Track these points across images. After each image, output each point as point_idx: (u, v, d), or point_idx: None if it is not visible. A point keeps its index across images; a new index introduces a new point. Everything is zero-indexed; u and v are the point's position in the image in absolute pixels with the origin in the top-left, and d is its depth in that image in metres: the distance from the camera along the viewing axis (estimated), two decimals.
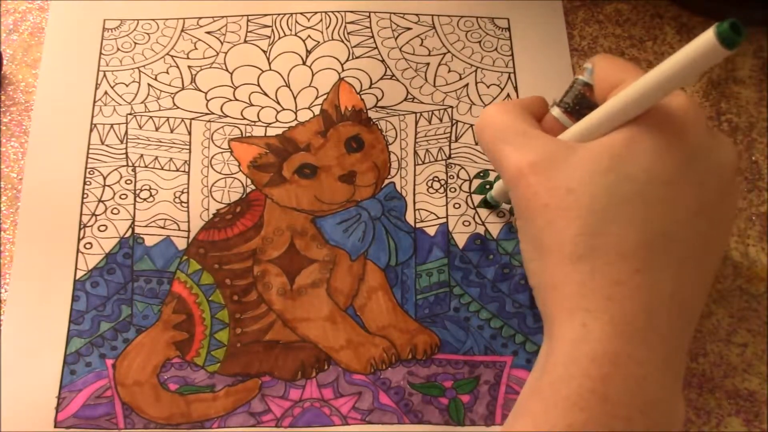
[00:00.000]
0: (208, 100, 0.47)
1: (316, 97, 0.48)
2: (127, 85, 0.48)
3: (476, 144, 0.47)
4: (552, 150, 0.33)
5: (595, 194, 0.31)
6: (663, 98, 0.32)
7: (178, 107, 0.47)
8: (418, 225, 0.45)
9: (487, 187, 0.45)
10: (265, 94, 0.48)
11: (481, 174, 0.46)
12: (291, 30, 0.50)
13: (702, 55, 0.28)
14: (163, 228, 0.44)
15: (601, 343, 0.30)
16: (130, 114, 0.47)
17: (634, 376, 0.30)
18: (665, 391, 0.31)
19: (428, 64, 0.49)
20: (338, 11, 0.50)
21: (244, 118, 0.47)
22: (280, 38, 0.49)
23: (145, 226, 0.44)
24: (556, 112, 0.37)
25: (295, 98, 0.48)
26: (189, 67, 0.48)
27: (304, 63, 0.49)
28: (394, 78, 0.48)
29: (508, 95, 0.48)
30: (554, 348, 0.31)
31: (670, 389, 0.31)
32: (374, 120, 0.47)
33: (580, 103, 0.36)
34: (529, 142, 0.34)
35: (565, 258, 0.31)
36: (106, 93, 0.48)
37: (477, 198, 0.45)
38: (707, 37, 0.28)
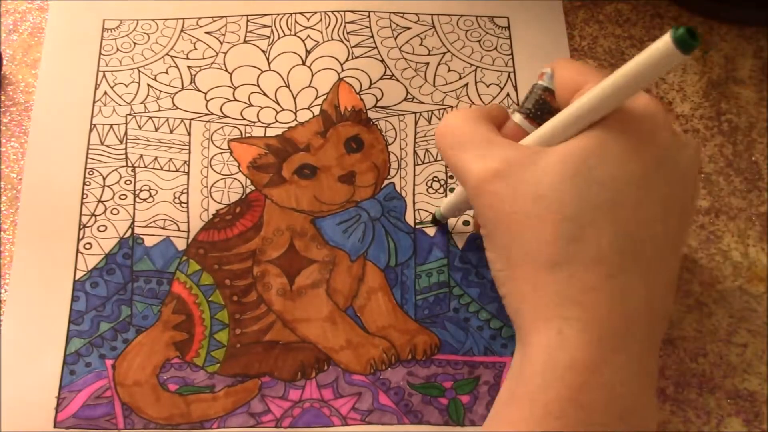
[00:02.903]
0: (207, 101, 0.47)
1: (316, 98, 0.48)
2: (126, 86, 0.48)
3: None
4: (516, 156, 0.32)
5: (566, 200, 0.31)
6: (625, 100, 0.31)
7: (178, 107, 0.47)
8: (417, 225, 0.45)
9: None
10: (265, 95, 0.48)
11: None
12: (290, 30, 0.50)
13: (660, 59, 0.28)
14: (162, 228, 0.44)
15: (577, 351, 0.30)
16: (130, 114, 0.47)
17: (611, 383, 0.30)
18: (642, 396, 0.31)
19: (428, 63, 0.49)
20: (338, 11, 0.50)
21: (244, 119, 0.47)
22: (279, 38, 0.49)
23: (145, 227, 0.44)
24: (517, 118, 0.37)
25: (294, 98, 0.48)
26: (188, 67, 0.48)
27: (303, 63, 0.49)
28: (393, 78, 0.48)
29: (508, 95, 0.48)
30: (530, 355, 0.31)
31: (646, 394, 0.31)
32: (374, 120, 0.47)
33: (542, 108, 0.36)
34: (491, 149, 0.33)
35: (538, 266, 0.31)
36: (105, 93, 0.48)
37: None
38: (664, 41, 0.28)
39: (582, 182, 0.31)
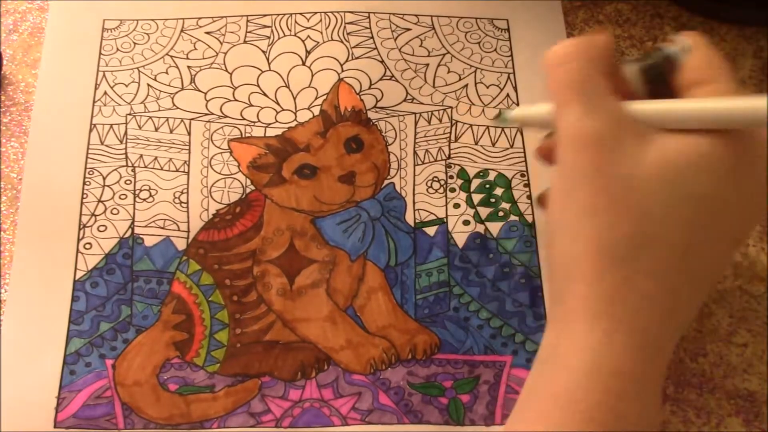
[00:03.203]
0: (207, 101, 0.47)
1: (316, 98, 0.48)
2: (126, 86, 0.48)
3: (476, 144, 0.47)
4: (624, 129, 0.31)
5: (656, 203, 0.30)
6: (754, 127, 0.30)
7: (178, 107, 0.47)
8: (417, 225, 0.45)
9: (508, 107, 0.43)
10: (265, 95, 0.48)
11: (481, 174, 0.46)
12: (290, 30, 0.50)
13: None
14: (162, 228, 0.44)
15: (624, 359, 0.29)
16: (130, 114, 0.47)
17: (646, 394, 0.30)
18: (659, 406, 0.31)
19: (428, 64, 0.49)
20: (338, 11, 0.50)
21: (244, 119, 0.47)
22: (279, 38, 0.49)
23: (145, 227, 0.44)
24: (632, 70, 0.34)
25: (294, 99, 0.48)
26: (188, 67, 0.48)
27: (303, 63, 0.49)
28: (393, 78, 0.48)
29: (508, 95, 0.48)
30: (571, 349, 0.30)
31: (661, 403, 0.32)
32: (374, 120, 0.47)
33: (658, 73, 0.34)
34: (603, 108, 0.31)
35: (603, 253, 0.30)
36: (105, 93, 0.48)
37: (478, 197, 0.45)
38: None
39: (675, 191, 0.30)
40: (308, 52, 0.49)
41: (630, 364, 0.30)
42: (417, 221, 0.45)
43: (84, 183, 0.45)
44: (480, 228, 0.45)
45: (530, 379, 0.33)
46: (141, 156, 0.46)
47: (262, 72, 0.48)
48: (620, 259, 0.30)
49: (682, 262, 0.30)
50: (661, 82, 0.33)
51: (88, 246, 0.44)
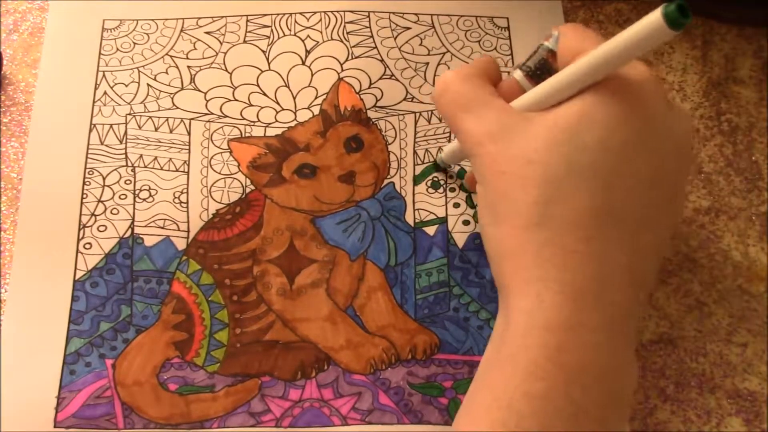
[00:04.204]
0: (207, 101, 0.47)
1: (316, 97, 0.48)
2: (126, 86, 0.48)
3: None
4: (510, 120, 0.34)
5: (551, 164, 0.32)
6: (614, 70, 0.32)
7: (178, 107, 0.47)
8: (417, 225, 0.45)
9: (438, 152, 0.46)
10: (265, 94, 0.48)
11: None
12: (290, 30, 0.50)
13: (650, 34, 0.29)
14: (162, 228, 0.44)
15: (554, 312, 0.31)
16: (130, 114, 0.47)
17: (587, 344, 0.31)
18: (618, 358, 0.32)
19: (427, 63, 0.49)
20: (337, 11, 0.50)
21: (244, 118, 0.47)
22: (279, 38, 0.49)
23: (145, 227, 0.44)
24: (518, 75, 0.37)
25: (294, 98, 0.48)
26: (188, 67, 0.48)
27: (303, 63, 0.49)
28: (393, 78, 0.48)
29: None
30: (511, 319, 0.32)
31: (623, 356, 0.32)
32: (374, 120, 0.47)
33: (542, 69, 0.37)
34: (487, 111, 0.34)
35: (520, 226, 0.32)
36: (105, 93, 0.48)
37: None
38: (655, 16, 0.28)
39: (568, 148, 0.32)
40: (308, 52, 0.49)
41: (564, 316, 0.30)
42: (417, 221, 0.45)
43: (84, 183, 0.45)
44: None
45: (482, 361, 0.34)
46: (141, 156, 0.46)
47: (262, 72, 0.48)
48: (536, 225, 0.32)
49: (597, 210, 0.32)
50: (551, 73, 0.36)
51: (88, 246, 0.44)
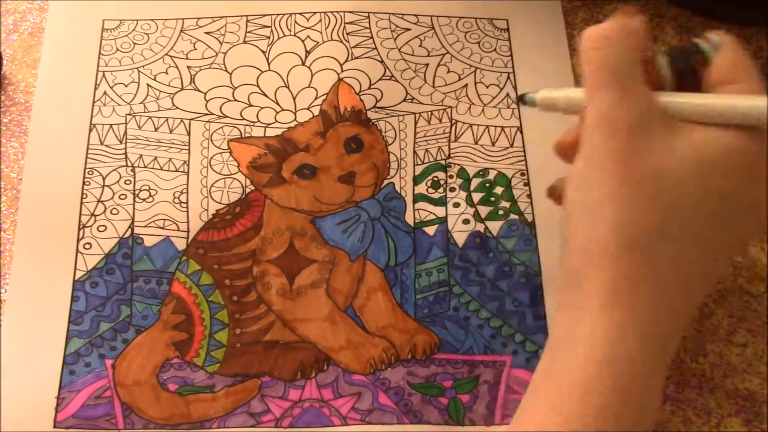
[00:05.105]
0: (207, 101, 0.47)
1: (316, 98, 0.48)
2: (126, 86, 0.48)
3: (476, 143, 0.47)
4: (655, 119, 0.31)
5: (683, 194, 0.30)
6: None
7: (178, 107, 0.47)
8: (417, 225, 0.45)
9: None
10: (265, 95, 0.48)
11: (481, 173, 0.46)
12: (290, 30, 0.50)
13: None
14: (162, 228, 0.44)
15: (635, 349, 0.30)
16: (130, 114, 0.47)
17: (653, 386, 0.30)
18: (661, 400, 0.31)
19: (427, 64, 0.49)
20: (337, 11, 0.50)
21: (244, 119, 0.47)
22: (279, 39, 0.49)
23: (145, 227, 0.44)
24: (663, 61, 0.34)
25: (294, 99, 0.48)
26: (188, 67, 0.48)
27: (303, 63, 0.49)
28: (393, 78, 0.48)
29: (507, 95, 0.48)
30: (585, 337, 0.30)
31: (661, 398, 0.32)
32: (373, 120, 0.47)
33: (687, 65, 0.34)
34: (636, 97, 0.31)
35: (625, 241, 0.30)
36: (105, 93, 0.48)
37: (476, 196, 0.45)
38: None
39: (703, 185, 0.30)
40: (308, 52, 0.49)
41: (641, 356, 0.30)
42: (417, 221, 0.45)
43: (84, 183, 0.45)
44: (480, 227, 0.45)
45: (542, 365, 0.32)
46: (141, 156, 0.46)
47: (262, 72, 0.48)
48: (641, 249, 0.30)
49: (701, 257, 0.31)
50: (691, 76, 0.34)
51: (87, 246, 0.44)
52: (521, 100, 0.38)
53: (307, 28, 0.50)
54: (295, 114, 0.47)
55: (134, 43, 0.49)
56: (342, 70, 0.48)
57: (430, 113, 0.48)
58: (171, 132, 0.47)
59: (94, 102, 0.47)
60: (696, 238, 0.30)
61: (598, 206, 0.31)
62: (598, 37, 0.32)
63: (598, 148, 0.31)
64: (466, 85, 0.49)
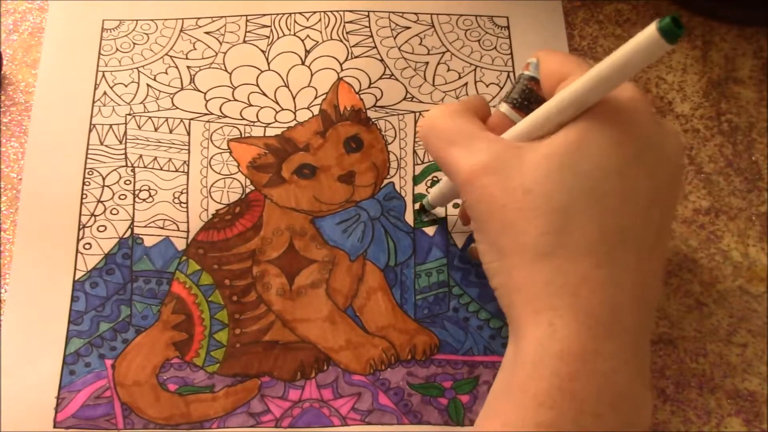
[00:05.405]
0: (207, 101, 0.47)
1: (315, 97, 0.48)
2: (126, 86, 0.48)
3: None
4: (503, 151, 0.33)
5: (553, 193, 0.31)
6: (608, 92, 0.32)
7: (177, 107, 0.47)
8: (417, 225, 0.45)
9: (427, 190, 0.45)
10: (264, 95, 0.48)
11: None
12: (290, 30, 0.50)
13: (645, 49, 0.29)
14: (162, 228, 0.44)
15: (568, 341, 0.30)
16: (129, 114, 0.47)
17: (601, 372, 0.30)
18: (633, 384, 0.31)
19: (427, 63, 0.49)
20: (337, 11, 0.50)
21: (243, 119, 0.47)
22: (279, 38, 0.49)
23: (145, 227, 0.44)
24: (504, 108, 0.37)
25: (294, 98, 0.48)
26: (188, 67, 0.48)
27: (303, 63, 0.49)
28: (393, 77, 0.48)
29: None
30: (521, 348, 0.31)
31: (639, 381, 0.32)
32: (373, 120, 0.47)
33: (528, 98, 0.36)
34: (478, 144, 0.34)
35: (528, 258, 0.31)
36: (105, 93, 0.48)
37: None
38: (650, 31, 0.28)
39: (567, 175, 0.31)
40: (308, 52, 0.49)
41: (577, 345, 0.30)
42: (417, 221, 0.45)
43: (83, 183, 0.45)
44: None
45: (491, 390, 0.34)
46: (140, 156, 0.46)
47: (262, 72, 0.48)
48: (545, 255, 0.31)
49: (604, 235, 0.31)
50: (538, 101, 0.35)
51: (87, 246, 0.44)
52: (421, 211, 0.45)
53: (306, 27, 0.50)
54: (294, 113, 0.47)
55: (134, 43, 0.49)
56: (342, 70, 0.48)
57: None
58: (171, 132, 0.47)
59: (93, 102, 0.47)
60: (587, 221, 0.31)
61: (495, 246, 0.33)
62: (424, 127, 0.36)
63: (472, 204, 0.33)
64: (466, 84, 0.48)
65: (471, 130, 0.34)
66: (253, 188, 0.45)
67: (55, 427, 0.40)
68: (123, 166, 0.46)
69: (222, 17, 0.50)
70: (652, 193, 0.33)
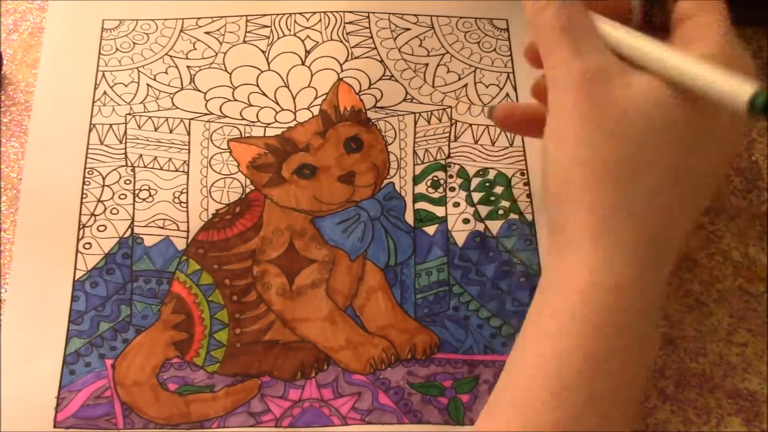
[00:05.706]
0: (207, 101, 0.48)
1: (315, 98, 0.48)
2: (126, 86, 0.48)
3: (476, 143, 0.47)
4: (610, 63, 0.32)
5: (648, 127, 0.31)
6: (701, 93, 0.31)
7: (177, 107, 0.47)
8: (417, 224, 0.45)
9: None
10: (264, 95, 0.48)
11: (481, 172, 0.46)
12: (290, 30, 0.50)
13: (725, 100, 0.29)
14: (162, 228, 0.44)
15: (625, 273, 0.30)
16: (129, 114, 0.47)
17: (649, 308, 0.31)
18: (659, 321, 0.33)
19: (427, 64, 0.49)
20: (337, 11, 0.50)
21: (243, 119, 0.47)
22: (279, 38, 0.49)
23: (145, 227, 0.44)
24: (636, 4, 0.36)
25: (294, 98, 0.48)
26: (188, 67, 0.48)
27: (303, 63, 0.49)
28: (393, 78, 0.48)
29: (507, 95, 0.48)
30: (573, 272, 0.31)
31: (656, 324, 0.33)
32: (373, 120, 0.47)
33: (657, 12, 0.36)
34: (588, 46, 0.33)
35: (603, 177, 0.31)
36: (105, 93, 0.48)
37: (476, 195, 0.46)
38: (738, 100, 0.29)
39: (663, 117, 0.31)
40: (308, 52, 0.49)
41: (631, 279, 0.30)
42: (417, 220, 0.45)
43: (83, 183, 0.45)
44: (480, 227, 0.45)
45: (532, 308, 0.34)
46: (140, 156, 0.46)
47: (262, 72, 0.48)
48: (618, 182, 0.31)
49: (676, 180, 0.32)
50: (662, 7, 0.35)
51: (87, 246, 0.44)
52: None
53: (306, 28, 0.50)
54: (294, 114, 0.47)
55: (134, 43, 0.49)
56: (342, 70, 0.48)
57: (429, 113, 0.48)
58: (171, 132, 0.47)
59: (93, 102, 0.47)
60: (668, 164, 0.31)
61: (571, 153, 0.32)
62: (540, 4, 0.34)
63: (563, 104, 0.33)
64: (465, 85, 0.49)
65: (583, 25, 0.33)
66: (253, 188, 0.45)
67: (55, 427, 0.40)
68: (123, 166, 0.46)
69: (222, 17, 0.50)
70: (714, 167, 0.34)
